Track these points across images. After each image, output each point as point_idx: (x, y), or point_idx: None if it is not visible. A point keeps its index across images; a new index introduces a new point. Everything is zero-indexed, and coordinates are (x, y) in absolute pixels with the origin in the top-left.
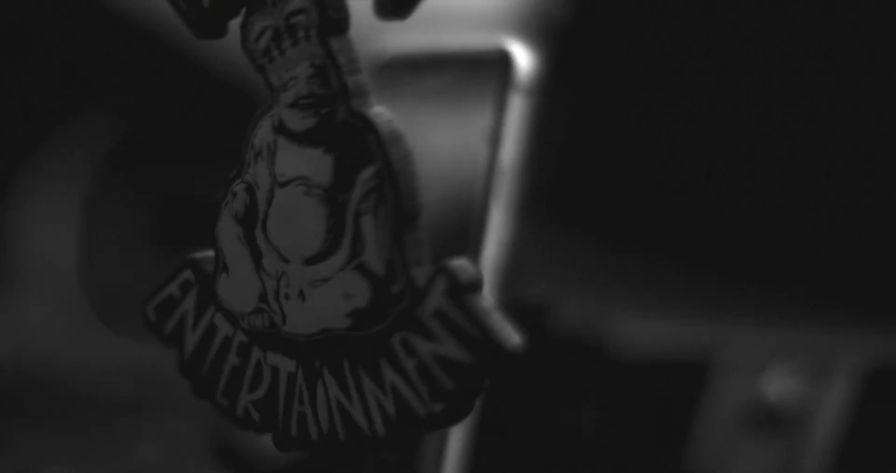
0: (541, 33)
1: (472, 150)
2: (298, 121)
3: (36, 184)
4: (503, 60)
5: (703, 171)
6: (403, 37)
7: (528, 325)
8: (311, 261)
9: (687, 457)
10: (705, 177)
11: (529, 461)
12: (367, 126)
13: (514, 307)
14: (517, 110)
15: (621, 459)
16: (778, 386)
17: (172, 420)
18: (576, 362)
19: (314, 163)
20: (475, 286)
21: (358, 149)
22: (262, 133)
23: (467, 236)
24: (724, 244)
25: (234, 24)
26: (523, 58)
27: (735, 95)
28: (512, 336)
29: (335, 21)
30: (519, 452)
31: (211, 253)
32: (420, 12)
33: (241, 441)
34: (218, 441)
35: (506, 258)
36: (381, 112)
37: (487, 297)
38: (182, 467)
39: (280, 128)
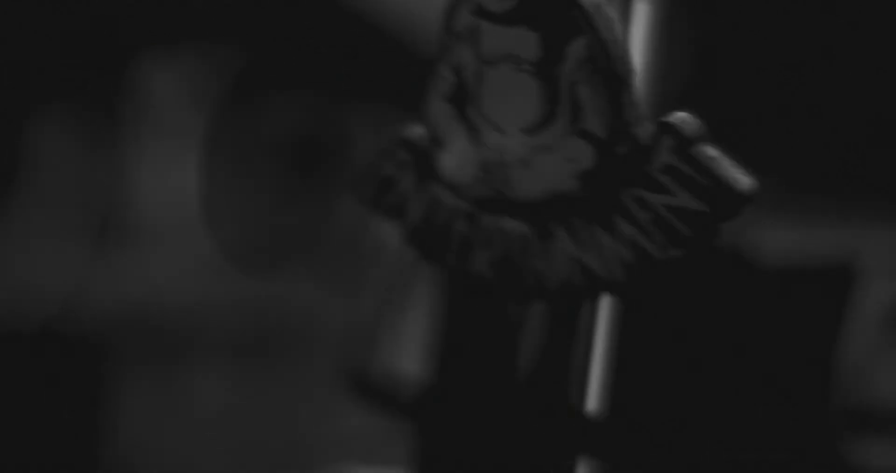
0: None
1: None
2: (498, 3)
3: (151, 126)
4: None
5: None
6: None
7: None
8: (529, 131)
9: (834, 363)
10: (832, 90)
11: (675, 372)
12: (568, 1)
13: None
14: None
15: (767, 369)
16: None
17: (305, 360)
18: (716, 273)
19: (520, 41)
20: (700, 137)
21: (563, 23)
22: (461, 16)
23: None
24: (856, 145)
25: None
26: None
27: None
28: (743, 179)
29: None
30: (664, 365)
31: (420, 130)
32: None
33: (377, 373)
34: (354, 376)
35: None
36: None
37: (712, 147)
38: (320, 405)
39: (479, 11)
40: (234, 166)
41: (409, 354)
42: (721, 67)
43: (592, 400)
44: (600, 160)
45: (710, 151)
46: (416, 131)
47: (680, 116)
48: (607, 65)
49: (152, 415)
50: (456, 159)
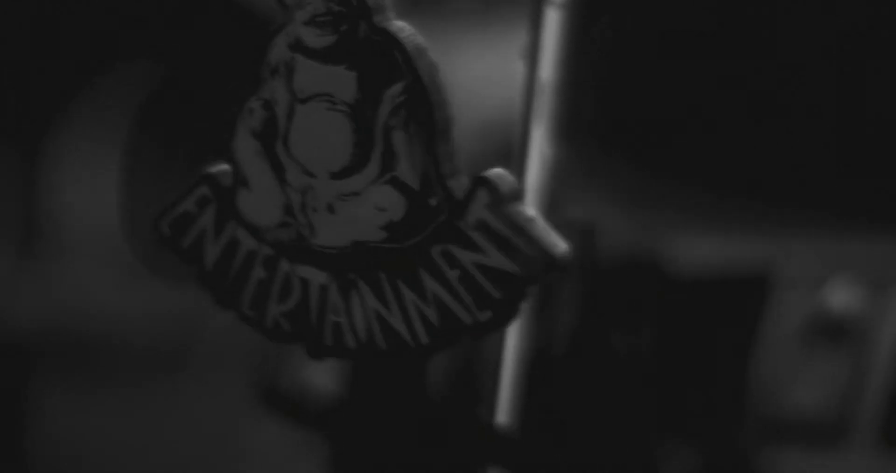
0: None
1: (508, 69)
2: (316, 39)
3: (72, 138)
4: None
5: (753, 87)
6: None
7: (577, 246)
8: (338, 175)
9: (749, 374)
10: (754, 92)
11: (584, 384)
12: (391, 41)
13: (561, 228)
14: (554, 25)
15: (681, 378)
16: (840, 298)
17: (218, 370)
18: (629, 281)
19: (337, 80)
20: (516, 195)
21: (382, 65)
22: (277, 50)
23: (509, 158)
24: (777, 155)
25: None
26: None
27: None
28: (558, 243)
29: None
30: (573, 376)
31: (225, 167)
32: None
33: (287, 383)
34: (263, 385)
35: (549, 178)
36: (403, 26)
37: (529, 206)
38: (231, 417)
39: (296, 46)
40: (154, 175)
41: (319, 366)
42: (638, 72)
43: (502, 413)
44: (411, 211)
45: (527, 211)
46: (221, 167)
47: (497, 172)
48: (426, 112)
49: (71, 425)
50: (259, 199)
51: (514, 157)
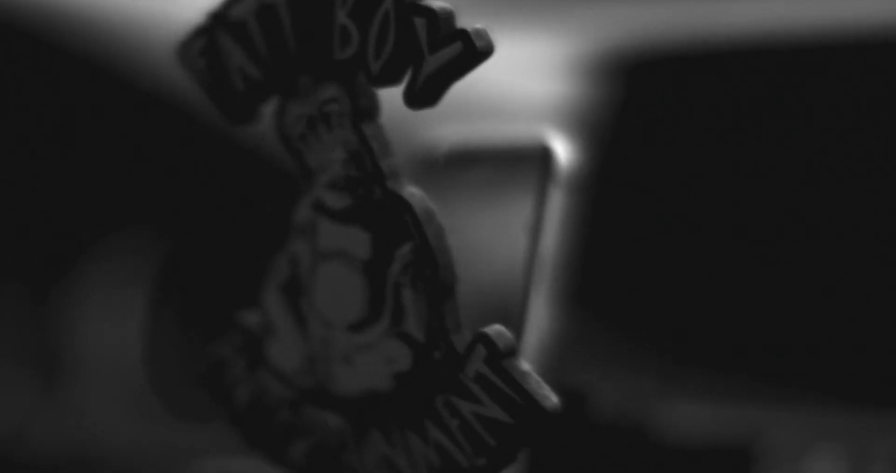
0: (583, 129)
1: (512, 242)
2: (336, 201)
3: (99, 274)
4: (545, 155)
5: (738, 267)
6: (447, 128)
7: (569, 412)
8: (354, 328)
9: None
10: (740, 272)
11: None
12: (402, 205)
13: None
14: (557, 204)
15: None
16: (819, 471)
17: None
18: (617, 446)
19: (353, 240)
20: (512, 351)
21: (394, 226)
22: (302, 210)
23: (508, 323)
24: (762, 329)
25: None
26: (564, 152)
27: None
28: (549, 397)
29: (366, 109)
30: None
31: (257, 317)
32: (466, 103)
33: None
34: None
35: (546, 346)
36: (414, 192)
37: (524, 362)
38: None
39: (319, 207)
40: (177, 315)
41: None
42: (629, 252)
43: None
44: (416, 363)
45: (522, 366)
46: (253, 318)
47: (496, 328)
48: (432, 271)
49: None
50: (285, 348)
51: (513, 322)
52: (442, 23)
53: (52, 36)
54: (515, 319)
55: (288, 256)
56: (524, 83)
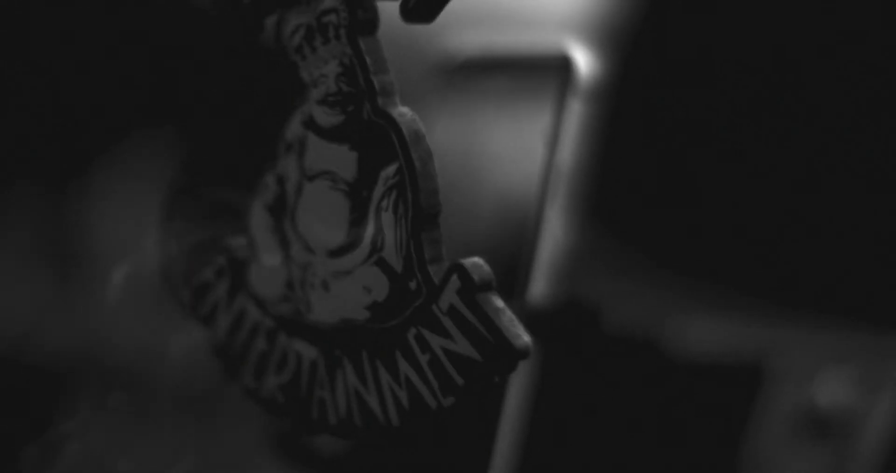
0: (604, 39)
1: (530, 151)
2: (326, 118)
3: (117, 171)
4: (564, 65)
5: (756, 183)
6: (469, 37)
7: (583, 324)
8: (334, 254)
9: (739, 460)
10: (758, 188)
11: (581, 459)
12: (391, 125)
13: (569, 306)
14: (575, 114)
15: (673, 459)
16: (830, 391)
17: (241, 416)
18: (629, 360)
19: (340, 159)
20: (488, 285)
21: (381, 146)
22: (293, 127)
23: (523, 234)
24: (778, 247)
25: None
26: (584, 62)
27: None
28: (521, 336)
29: (364, 21)
30: (571, 451)
31: (243, 240)
32: (489, 12)
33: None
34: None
35: (561, 258)
36: (404, 111)
37: (498, 296)
38: (246, 461)
39: (309, 124)
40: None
41: None
42: (649, 164)
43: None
44: (392, 293)
45: (496, 301)
46: (238, 240)
47: (473, 260)
48: (413, 196)
49: (91, 455)
50: (266, 273)
51: (528, 234)
52: None
53: None
54: (531, 228)
55: (275, 176)
56: None
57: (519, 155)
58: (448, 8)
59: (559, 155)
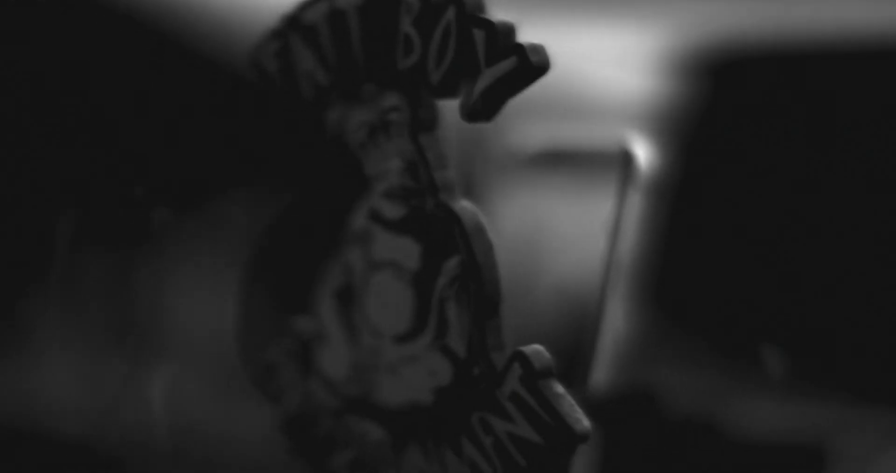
0: (666, 132)
1: (592, 242)
2: (391, 211)
3: (193, 245)
4: (626, 158)
5: (813, 268)
6: (532, 126)
7: (644, 410)
8: (401, 340)
9: None
10: (815, 273)
11: None
12: (453, 218)
13: (629, 392)
14: (636, 206)
15: None
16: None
17: None
18: (688, 444)
19: (404, 250)
20: (548, 371)
21: (444, 239)
22: (359, 218)
23: (585, 324)
24: (838, 328)
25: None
26: (645, 156)
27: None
28: (581, 420)
29: (425, 120)
30: None
31: (311, 323)
32: (554, 104)
33: None
34: None
35: (621, 346)
36: (465, 206)
37: (559, 384)
38: None
39: (374, 216)
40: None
41: None
42: (704, 258)
43: None
44: (456, 378)
45: (556, 388)
46: (307, 323)
47: (533, 348)
48: (477, 287)
49: None
50: (334, 356)
51: (589, 323)
52: (501, 36)
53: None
54: (593, 318)
55: (342, 263)
56: (612, 77)
57: (581, 245)
58: (513, 101)
59: (620, 245)
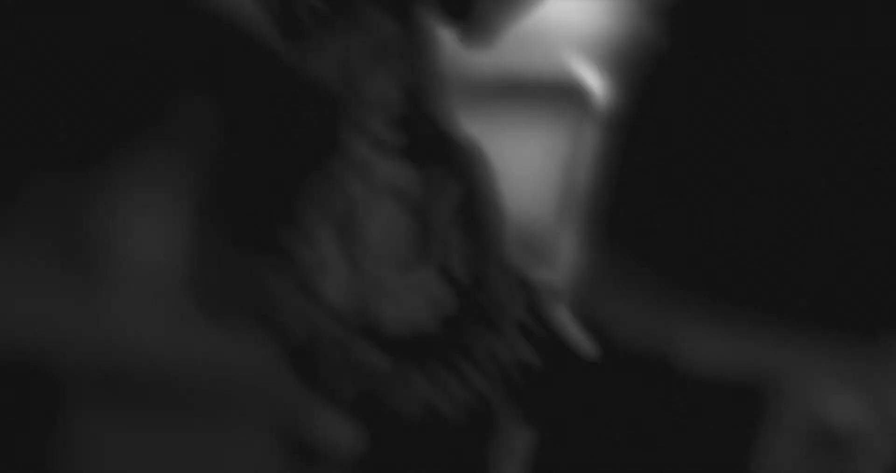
0: (623, 64)
1: (546, 174)
2: (392, 139)
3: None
4: (582, 89)
5: (776, 200)
6: (491, 58)
7: (595, 343)
8: (404, 269)
9: None
10: (771, 208)
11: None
12: (455, 146)
13: (582, 325)
14: (592, 138)
15: None
16: (842, 410)
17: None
18: (640, 378)
19: (407, 178)
20: (554, 297)
21: (447, 167)
22: (359, 147)
23: (538, 256)
24: (792, 265)
25: None
26: (602, 87)
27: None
28: (585, 346)
29: (424, 46)
30: (579, 467)
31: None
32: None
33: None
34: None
35: (574, 279)
36: (467, 135)
37: (564, 309)
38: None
39: (375, 145)
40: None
41: None
42: (662, 187)
43: None
44: (461, 306)
45: (562, 314)
46: (303, 249)
47: (539, 275)
48: (479, 214)
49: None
50: (336, 286)
51: (544, 254)
52: None
53: None
54: (546, 251)
55: (341, 192)
56: (569, 7)
57: (535, 177)
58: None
59: (575, 178)
